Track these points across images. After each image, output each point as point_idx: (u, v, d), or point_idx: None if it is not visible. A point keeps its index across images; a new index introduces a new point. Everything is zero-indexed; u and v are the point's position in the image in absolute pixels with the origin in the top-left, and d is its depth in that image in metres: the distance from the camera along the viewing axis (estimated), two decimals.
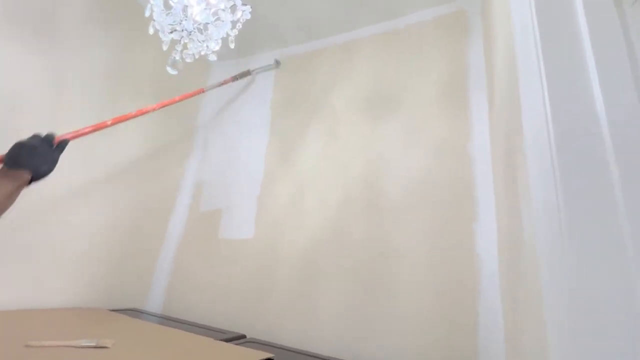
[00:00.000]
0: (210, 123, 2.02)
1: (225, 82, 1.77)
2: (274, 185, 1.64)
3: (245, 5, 0.84)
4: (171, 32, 0.79)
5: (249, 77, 1.93)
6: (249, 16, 0.86)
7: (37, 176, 0.70)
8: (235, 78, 1.81)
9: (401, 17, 1.69)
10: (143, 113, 1.04)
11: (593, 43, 0.44)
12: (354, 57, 1.74)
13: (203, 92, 1.55)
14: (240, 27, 0.88)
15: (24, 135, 1.16)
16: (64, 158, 1.30)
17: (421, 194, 1.30)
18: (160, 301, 1.67)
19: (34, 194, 1.20)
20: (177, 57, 0.81)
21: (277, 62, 1.88)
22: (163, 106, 1.10)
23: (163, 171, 1.78)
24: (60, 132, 1.29)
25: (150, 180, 1.70)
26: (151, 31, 0.78)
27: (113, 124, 0.90)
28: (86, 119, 1.40)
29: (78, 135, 0.86)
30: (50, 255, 1.27)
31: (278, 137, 1.76)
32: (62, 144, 0.76)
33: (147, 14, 0.77)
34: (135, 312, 1.46)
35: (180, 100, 1.22)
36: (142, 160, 1.66)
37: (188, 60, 0.83)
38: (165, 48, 0.81)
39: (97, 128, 0.86)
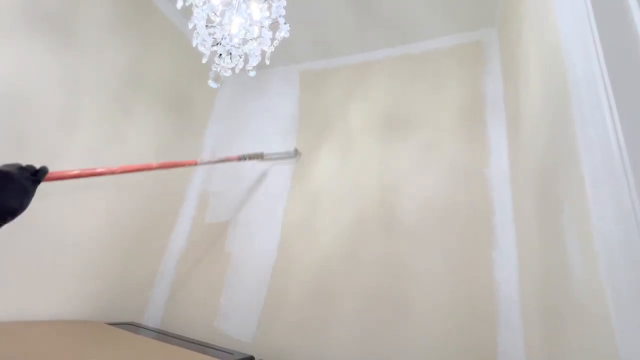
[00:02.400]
0: (220, 133, 2.00)
1: (228, 159, 1.43)
2: (285, 201, 1.62)
3: (286, 23, 0.85)
4: (214, 46, 0.78)
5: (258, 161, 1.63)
6: (288, 34, 0.86)
7: (5, 218, 0.55)
8: (242, 158, 1.46)
9: (416, 43, 1.73)
10: (143, 169, 0.95)
11: None
12: (369, 77, 1.77)
13: (196, 164, 1.29)
14: (277, 44, 0.88)
15: (31, 134, 1.13)
16: (66, 152, 1.25)
17: (437, 216, 1.30)
18: (159, 316, 1.59)
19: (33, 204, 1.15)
20: (219, 70, 0.80)
21: (298, 153, 1.58)
22: (163, 167, 1.02)
23: (169, 180, 1.73)
24: (67, 132, 1.26)
25: (155, 190, 1.65)
26: (194, 44, 0.77)
27: (102, 173, 0.81)
28: (95, 123, 1.37)
29: (60, 177, 0.73)
30: (47, 265, 1.20)
31: (288, 150, 1.75)
32: (40, 176, 0.61)
33: (190, 26, 0.76)
34: (133, 327, 1.39)
35: (174, 167, 1.11)
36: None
37: (227, 74, 0.82)
38: (204, 61, 0.80)
39: (84, 174, 0.77)
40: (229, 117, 2.04)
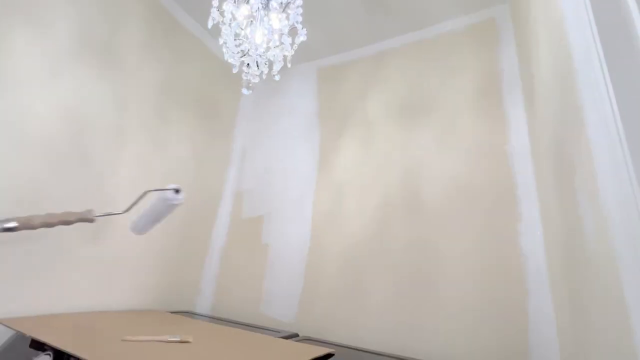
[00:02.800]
0: (248, 134, 2.13)
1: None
2: (313, 192, 1.72)
3: (304, 28, 0.93)
4: (242, 57, 0.89)
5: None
6: (305, 38, 0.95)
7: None
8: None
9: (429, 27, 1.76)
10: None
11: None
12: (385, 66, 1.82)
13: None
14: (297, 47, 0.97)
15: (93, 151, 1.31)
16: (118, 161, 1.41)
17: (461, 195, 1.35)
18: (209, 304, 1.76)
19: (95, 205, 1.33)
20: (249, 78, 0.91)
21: (178, 191, 1.14)
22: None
23: (205, 180, 1.89)
24: (121, 146, 1.42)
25: (195, 190, 1.81)
26: (225, 57, 0.88)
27: None
28: (141, 135, 1.53)
29: None
30: (111, 264, 1.38)
31: (314, 146, 1.84)
32: None
33: (220, 42, 0.87)
34: (188, 314, 1.56)
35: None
36: (188, 170, 1.78)
37: (255, 81, 0.92)
38: (235, 71, 0.91)
39: None
40: (254, 118, 2.16)
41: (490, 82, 1.48)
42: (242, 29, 0.87)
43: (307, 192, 1.74)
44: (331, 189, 1.68)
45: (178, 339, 0.90)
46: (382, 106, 1.72)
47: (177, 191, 1.10)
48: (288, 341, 1.10)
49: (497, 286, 1.17)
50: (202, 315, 1.59)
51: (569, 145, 0.73)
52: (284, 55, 0.97)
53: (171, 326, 1.15)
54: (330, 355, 1.00)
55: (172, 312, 1.51)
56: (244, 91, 0.92)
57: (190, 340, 0.91)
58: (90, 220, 1.12)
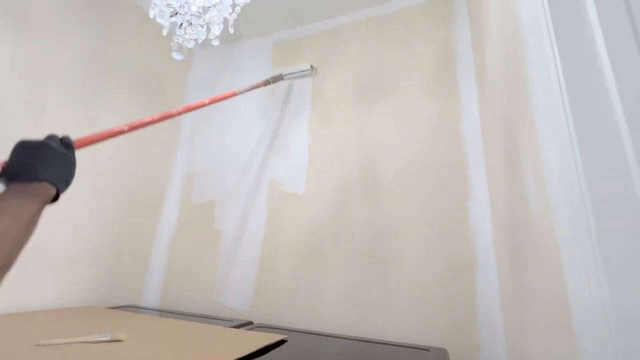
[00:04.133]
0: (196, 112, 1.97)
1: (257, 86, 1.55)
2: (268, 174, 1.64)
3: None
4: (172, 16, 0.76)
5: (282, 82, 1.75)
6: (249, 0, 0.84)
7: (62, 190, 0.54)
8: (267, 82, 1.59)
9: (386, 3, 1.70)
10: (168, 117, 0.92)
11: (602, 24, 0.47)
12: (342, 43, 1.74)
13: (235, 94, 1.36)
14: (239, 10, 0.86)
15: (1, 133, 1.10)
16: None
17: (416, 174, 1.35)
18: (157, 296, 1.64)
19: None
20: (181, 41, 0.79)
21: (314, 68, 1.69)
22: (187, 110, 0.94)
23: (149, 163, 1.72)
24: (34, 120, 1.22)
25: (136, 173, 1.64)
26: (151, 15, 0.75)
27: (121, 132, 0.78)
28: (68, 113, 1.33)
29: (88, 142, 0.73)
30: (38, 256, 1.21)
31: (269, 125, 1.75)
32: (72, 147, 0.59)
33: None
34: (133, 309, 1.43)
35: (210, 102, 1.08)
36: (127, 152, 1.60)
37: (189, 45, 0.80)
38: (165, 33, 0.78)
39: (105, 136, 0.74)
40: (204, 94, 1.99)
41: (445, 60, 1.47)
42: None
43: (262, 174, 1.66)
44: (287, 170, 1.61)
45: (108, 338, 0.80)
46: (340, 84, 1.66)
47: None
48: (238, 330, 1.04)
49: (448, 261, 1.20)
50: (148, 309, 1.47)
51: (516, 121, 0.73)
52: (224, 19, 0.86)
53: (106, 324, 1.03)
54: (283, 341, 0.96)
55: (112, 308, 1.37)
56: (175, 56, 0.81)
57: (123, 338, 0.82)
58: None
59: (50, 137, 0.54)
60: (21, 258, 1.12)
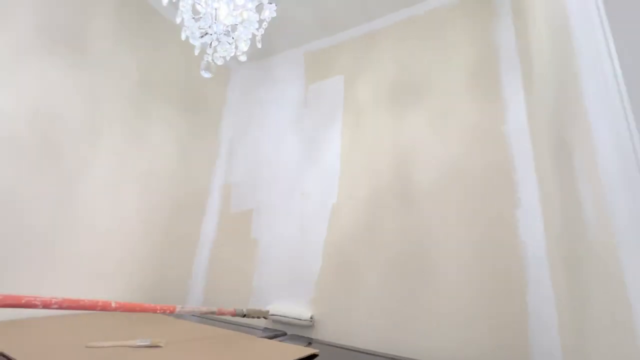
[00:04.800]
0: (235, 125, 2.06)
1: (220, 313, 1.10)
2: (301, 183, 1.65)
3: (271, 3, 0.84)
4: (202, 37, 0.80)
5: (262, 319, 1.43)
6: (274, 14, 0.86)
7: None
8: (240, 315, 1.17)
9: (420, 3, 1.64)
10: (145, 310, 0.85)
11: None
12: (375, 47, 1.71)
13: (174, 311, 0.97)
14: (266, 25, 0.88)
15: (63, 147, 1.25)
16: (100, 163, 1.37)
17: (456, 180, 1.26)
18: (199, 301, 1.72)
19: (73, 200, 1.27)
20: (210, 60, 0.82)
21: (312, 319, 1.31)
22: (122, 309, 0.80)
23: (192, 175, 1.83)
24: (94, 141, 1.36)
25: (180, 184, 1.75)
26: (183, 37, 0.80)
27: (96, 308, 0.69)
28: (117, 130, 1.46)
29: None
30: (95, 260, 1.33)
31: (303, 134, 1.76)
32: None
33: (177, 21, 0.78)
34: (176, 313, 1.51)
35: (134, 311, 0.87)
36: (172, 164, 1.71)
37: (219, 62, 0.84)
38: (197, 52, 0.83)
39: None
40: (242, 108, 2.08)
41: (486, 60, 1.37)
42: (201, 5, 0.78)
43: (297, 183, 1.67)
44: (321, 179, 1.60)
45: (148, 344, 0.85)
46: (373, 90, 1.63)
47: None
48: (272, 341, 1.04)
49: (495, 277, 1.09)
50: (191, 314, 1.54)
51: (568, 122, 0.64)
52: (252, 34, 0.89)
53: (150, 327, 1.10)
54: (314, 355, 0.94)
55: None
56: (204, 74, 0.84)
57: (161, 344, 0.86)
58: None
59: None
60: (86, 261, 1.22)
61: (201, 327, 1.18)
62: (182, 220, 1.74)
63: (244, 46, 0.83)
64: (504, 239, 1.12)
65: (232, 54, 0.84)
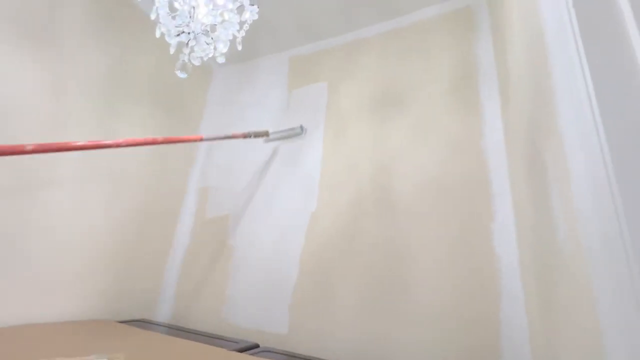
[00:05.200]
0: (214, 128, 2.00)
1: (234, 137, 1.42)
2: (281, 189, 1.61)
3: (253, 5, 0.82)
4: (178, 35, 0.76)
5: (264, 138, 1.65)
6: (256, 17, 0.84)
7: None
8: (247, 135, 1.46)
9: (404, 16, 1.67)
10: (148, 144, 0.95)
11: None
12: (359, 56, 1.72)
13: (202, 139, 1.24)
14: (248, 28, 0.85)
15: (24, 139, 1.16)
16: (64, 164, 1.28)
17: (435, 192, 1.27)
18: (170, 311, 1.63)
19: (32, 202, 1.18)
20: (187, 60, 0.79)
21: (304, 129, 1.57)
22: (168, 142, 1.00)
23: (167, 177, 1.75)
24: (59, 135, 1.27)
25: (154, 186, 1.67)
26: (158, 34, 0.76)
27: (108, 146, 0.79)
28: (86, 126, 1.38)
29: (63, 148, 0.73)
30: (52, 266, 1.24)
31: (284, 140, 1.73)
32: None
33: (152, 17, 0.74)
34: (144, 323, 1.43)
35: (179, 142, 1.12)
36: (146, 165, 1.63)
37: (195, 63, 0.80)
38: (172, 51, 0.79)
39: (89, 146, 0.74)
40: (222, 110, 2.03)
41: (466, 73, 1.40)
42: (179, 2, 0.75)
43: (276, 189, 1.63)
44: (300, 186, 1.57)
45: None
46: (356, 98, 1.63)
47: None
48: (242, 355, 0.99)
49: (470, 289, 1.10)
50: (158, 324, 1.46)
51: (542, 139, 0.65)
52: (233, 36, 0.86)
53: (110, 341, 1.02)
54: None
55: (124, 322, 1.37)
56: (179, 74, 0.80)
57: None
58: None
59: None
60: (35, 269, 1.14)
61: (168, 340, 1.11)
62: (154, 225, 1.66)
63: (222, 47, 0.80)
64: (479, 251, 1.13)
65: (211, 55, 0.81)
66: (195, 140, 1.19)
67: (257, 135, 1.44)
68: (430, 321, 1.12)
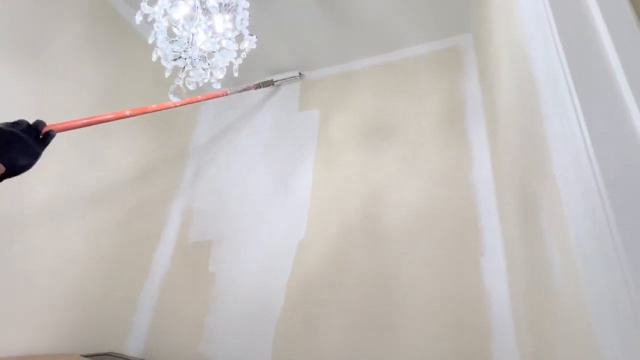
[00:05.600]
0: (204, 148, 1.97)
1: (248, 89, 1.72)
2: (269, 216, 1.58)
3: (252, 35, 0.83)
4: (175, 60, 0.76)
5: (271, 88, 1.92)
6: (254, 46, 0.85)
7: (12, 171, 0.56)
8: (258, 86, 1.79)
9: (396, 51, 1.74)
10: (154, 110, 0.94)
11: (625, 70, 0.42)
12: (351, 87, 1.76)
13: (226, 94, 1.51)
14: (245, 56, 0.86)
15: None
16: (36, 176, 1.22)
17: (423, 224, 1.27)
18: (142, 343, 1.52)
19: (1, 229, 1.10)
20: (181, 84, 0.78)
21: (302, 75, 1.88)
22: (182, 104, 1.00)
23: (151, 197, 1.69)
24: (42, 164, 1.22)
25: (137, 207, 1.60)
26: (154, 58, 0.75)
27: (112, 119, 0.78)
28: (71, 146, 1.33)
29: (69, 127, 0.74)
30: (15, 292, 1.13)
31: (274, 166, 1.72)
32: (48, 136, 0.60)
33: (150, 41, 0.74)
34: (111, 357, 1.31)
35: (202, 99, 1.22)
36: (130, 184, 1.57)
37: (191, 87, 0.79)
38: (167, 75, 0.78)
39: (93, 122, 0.73)
40: (213, 133, 2.01)
41: (454, 109, 1.45)
42: (178, 28, 0.75)
43: (264, 216, 1.59)
44: (289, 214, 1.54)
45: None
46: (347, 128, 1.65)
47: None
48: None
49: (460, 326, 1.07)
50: (128, 359, 1.35)
51: (534, 179, 0.66)
52: (230, 62, 0.86)
53: None
54: None
55: (89, 356, 1.26)
56: (172, 98, 0.79)
57: None
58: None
59: (19, 123, 0.57)
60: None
61: None
62: (132, 250, 1.57)
63: (219, 74, 0.80)
64: (470, 286, 1.11)
65: (206, 81, 0.81)
66: (216, 96, 1.38)
67: (265, 84, 1.80)
68: (418, 358, 1.07)
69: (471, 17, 1.49)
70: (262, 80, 1.83)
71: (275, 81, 1.85)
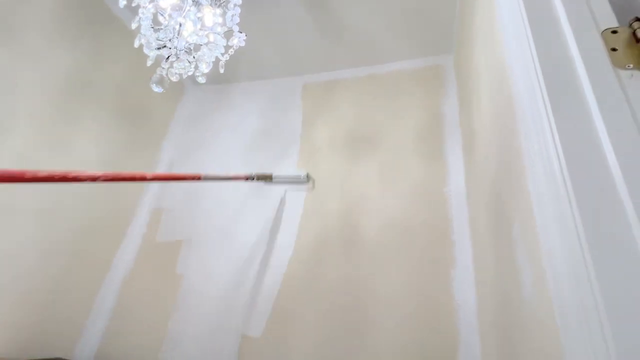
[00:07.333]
0: (179, 146, 1.90)
1: (235, 178, 1.26)
2: (245, 219, 1.54)
3: (241, 32, 0.82)
4: (159, 49, 0.73)
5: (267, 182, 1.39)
6: (243, 44, 0.83)
7: None
8: (249, 178, 1.27)
9: (381, 64, 1.78)
10: (137, 179, 0.83)
11: (601, 109, 0.45)
12: (335, 95, 1.78)
13: (199, 179, 1.09)
14: (233, 52, 0.85)
15: None
16: None
17: (398, 236, 1.29)
18: (94, 348, 1.41)
19: None
20: (164, 74, 0.74)
21: (310, 178, 1.36)
22: (159, 179, 0.87)
23: (116, 192, 1.59)
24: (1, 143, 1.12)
25: (99, 201, 1.50)
26: (136, 44, 0.72)
27: (78, 179, 0.66)
28: (32, 128, 1.24)
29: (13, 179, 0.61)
30: None
31: (254, 167, 1.68)
32: None
33: (133, 26, 0.70)
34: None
35: (176, 179, 1.00)
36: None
37: (173, 79, 0.76)
38: (149, 63, 0.75)
39: (56, 177, 0.62)
40: (190, 130, 1.95)
41: (432, 125, 1.50)
42: (165, 17, 0.72)
43: (238, 219, 1.55)
44: (264, 218, 1.51)
45: None
46: (329, 134, 1.66)
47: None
48: None
49: (429, 335, 1.09)
50: None
51: (508, 193, 0.69)
52: (216, 58, 0.84)
53: None
54: None
55: None
56: (154, 88, 0.76)
57: None
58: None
59: None
60: None
61: None
62: (94, 243, 1.47)
63: (205, 68, 0.77)
64: (440, 298, 1.14)
65: (190, 73, 0.78)
66: (193, 179, 1.04)
67: (259, 178, 1.27)
68: None
69: (454, 39, 1.56)
70: (259, 173, 1.30)
71: (275, 177, 1.36)
